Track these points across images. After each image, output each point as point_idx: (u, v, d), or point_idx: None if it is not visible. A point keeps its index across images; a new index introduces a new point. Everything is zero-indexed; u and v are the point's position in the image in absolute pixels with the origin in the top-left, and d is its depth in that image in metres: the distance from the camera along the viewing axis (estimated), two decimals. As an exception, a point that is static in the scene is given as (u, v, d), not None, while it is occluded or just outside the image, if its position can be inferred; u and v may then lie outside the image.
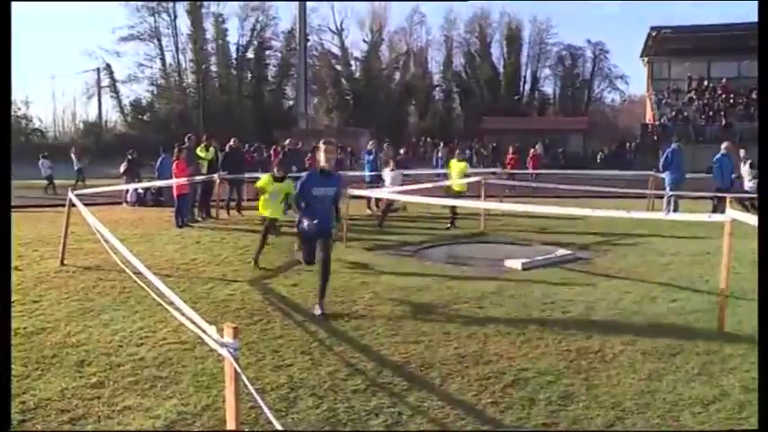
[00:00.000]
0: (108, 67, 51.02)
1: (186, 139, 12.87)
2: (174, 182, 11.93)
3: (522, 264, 7.88)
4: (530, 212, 11.48)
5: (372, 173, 14.40)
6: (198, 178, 12.28)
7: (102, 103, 51.80)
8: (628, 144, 36.81)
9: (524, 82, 56.02)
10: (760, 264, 1.37)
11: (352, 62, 56.74)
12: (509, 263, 8.05)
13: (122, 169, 18.04)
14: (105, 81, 51.53)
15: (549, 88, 57.48)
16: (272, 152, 30.08)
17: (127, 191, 16.60)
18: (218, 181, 12.88)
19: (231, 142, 13.81)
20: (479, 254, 9.04)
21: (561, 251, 8.89)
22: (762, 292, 1.44)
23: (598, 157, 35.70)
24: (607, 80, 56.47)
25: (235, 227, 11.72)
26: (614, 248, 9.26)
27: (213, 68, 53.07)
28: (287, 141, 15.44)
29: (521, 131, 37.16)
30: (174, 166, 11.91)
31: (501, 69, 54.87)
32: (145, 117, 52.69)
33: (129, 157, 18.09)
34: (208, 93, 49.64)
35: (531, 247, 9.58)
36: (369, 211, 13.61)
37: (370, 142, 15.76)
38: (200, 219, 12.78)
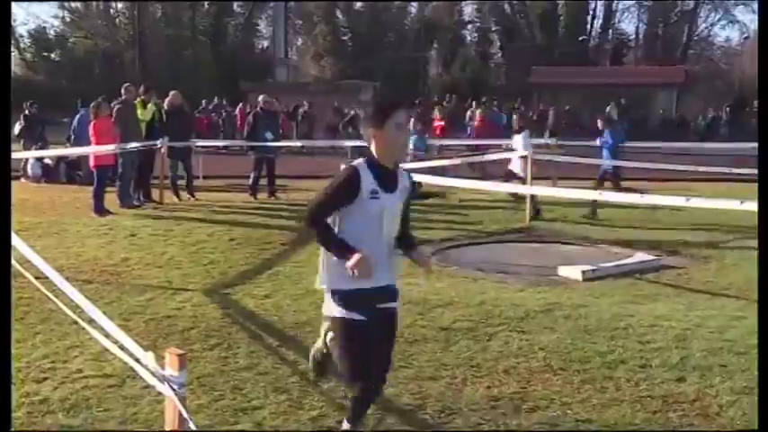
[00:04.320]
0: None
1: (124, 91, 12.86)
2: (92, 149, 11.88)
3: (583, 273, 7.85)
4: (595, 201, 11.43)
5: None
6: (131, 146, 12.27)
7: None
8: (754, 104, 36.28)
9: (593, 17, 55.80)
10: (760, 262, 1.56)
11: (352, -13, 56.80)
12: (565, 271, 8.03)
13: (17, 129, 17.49)
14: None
15: (629, 25, 57.36)
16: (236, 113, 30.40)
17: (26, 161, 16.58)
18: (162, 150, 12.91)
19: (171, 97, 13.84)
20: (523, 257, 9.00)
21: (640, 255, 8.85)
22: (762, 291, 1.67)
23: (698, 122, 35.36)
24: (721, 8, 53.80)
25: (185, 215, 11.76)
26: (720, 253, 9.18)
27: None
28: (260, 98, 15.43)
29: (585, 87, 37.02)
30: (91, 127, 11.89)
31: (560, 0, 54.63)
32: (53, 55, 52.79)
33: (27, 111, 17.89)
34: (146, 25, 49.48)
35: (596, 248, 9.56)
36: None
37: None
38: (136, 202, 12.83)
